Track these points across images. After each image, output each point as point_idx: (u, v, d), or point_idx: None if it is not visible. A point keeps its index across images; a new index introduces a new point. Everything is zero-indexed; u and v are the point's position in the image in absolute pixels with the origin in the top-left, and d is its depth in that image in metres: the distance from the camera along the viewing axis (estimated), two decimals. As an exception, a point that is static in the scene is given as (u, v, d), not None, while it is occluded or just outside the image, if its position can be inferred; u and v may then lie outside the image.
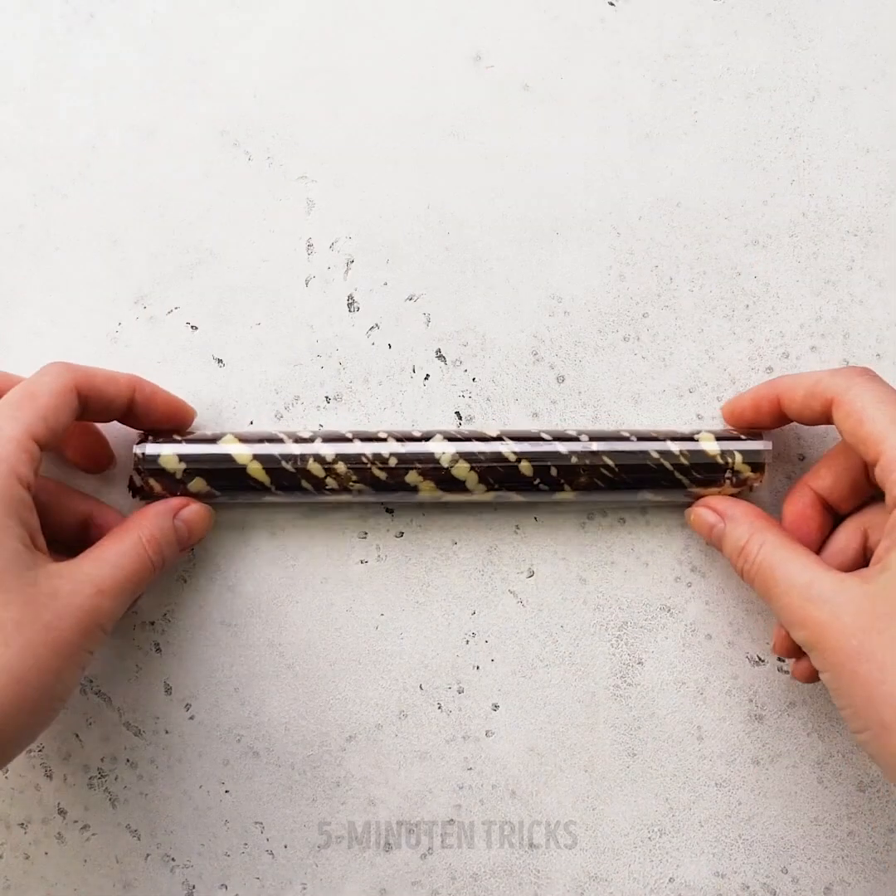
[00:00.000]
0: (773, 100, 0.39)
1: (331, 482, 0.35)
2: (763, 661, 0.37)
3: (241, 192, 0.39)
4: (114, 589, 0.32)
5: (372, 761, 0.37)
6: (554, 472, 0.35)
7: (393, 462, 0.35)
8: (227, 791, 0.37)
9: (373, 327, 0.39)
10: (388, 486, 0.35)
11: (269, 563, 0.38)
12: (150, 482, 0.36)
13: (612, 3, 0.40)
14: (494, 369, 0.38)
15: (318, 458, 0.35)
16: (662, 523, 0.38)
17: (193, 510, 0.36)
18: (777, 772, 0.37)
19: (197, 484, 0.36)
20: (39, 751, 0.38)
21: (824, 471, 0.35)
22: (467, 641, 0.38)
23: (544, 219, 0.39)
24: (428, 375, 0.39)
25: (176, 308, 0.39)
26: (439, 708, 0.37)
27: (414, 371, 0.39)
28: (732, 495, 0.36)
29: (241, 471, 0.35)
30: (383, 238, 0.39)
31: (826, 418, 0.33)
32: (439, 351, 0.39)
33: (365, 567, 0.38)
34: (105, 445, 0.38)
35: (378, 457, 0.35)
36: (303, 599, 0.38)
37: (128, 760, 0.37)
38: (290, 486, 0.35)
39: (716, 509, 0.35)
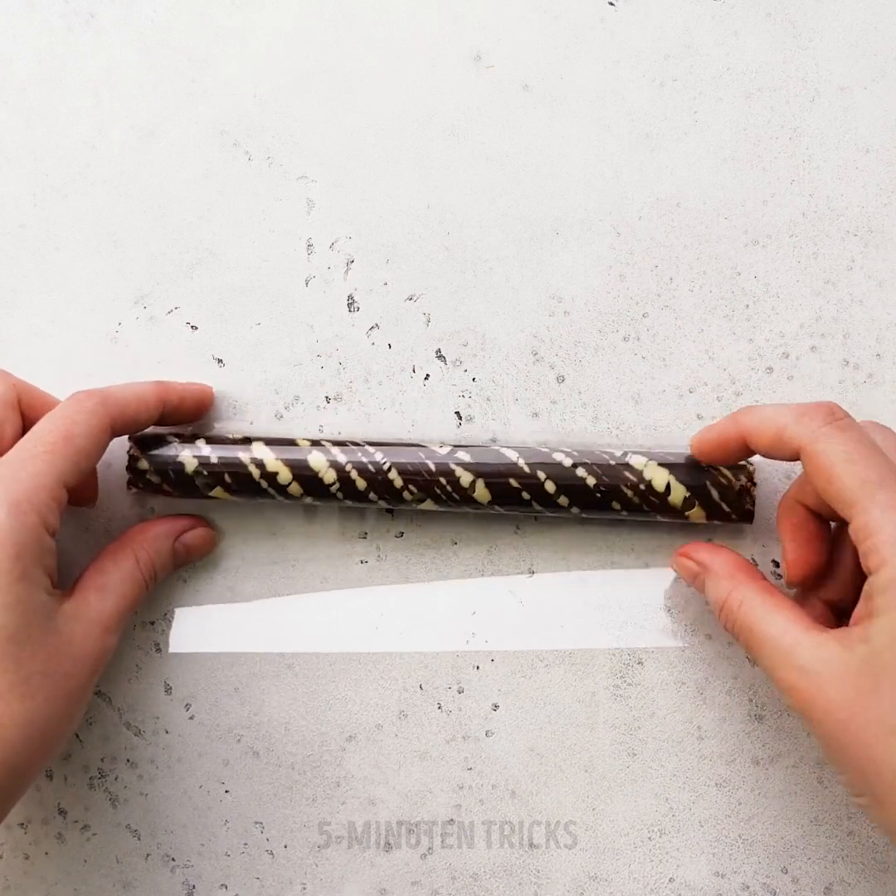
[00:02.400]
0: (773, 100, 0.39)
1: (332, 489, 0.35)
2: (763, 661, 0.37)
3: (241, 192, 0.39)
4: (118, 623, 0.33)
5: (372, 761, 0.37)
6: (549, 495, 0.35)
7: (399, 482, 0.35)
8: (227, 791, 0.37)
9: (373, 327, 0.39)
10: (386, 499, 0.36)
11: (270, 563, 0.38)
12: (147, 478, 0.36)
13: (612, 3, 0.40)
14: (494, 369, 0.38)
15: (316, 480, 0.35)
16: (662, 523, 0.37)
17: (197, 534, 0.37)
18: (777, 772, 0.37)
19: (217, 492, 0.36)
20: (39, 751, 0.38)
21: (808, 487, 0.33)
22: (467, 641, 0.38)
23: (544, 219, 0.39)
24: (428, 375, 0.39)
25: (176, 308, 0.39)
26: (439, 708, 0.37)
27: (414, 371, 0.39)
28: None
29: (247, 476, 0.35)
30: (383, 238, 0.39)
31: (796, 458, 0.31)
32: (439, 351, 0.39)
33: (365, 567, 0.38)
34: (95, 485, 0.37)
35: (382, 482, 0.35)
36: (303, 599, 0.38)
37: (128, 760, 0.37)
38: (287, 494, 0.36)
39: (696, 560, 0.35)
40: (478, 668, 0.37)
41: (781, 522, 0.34)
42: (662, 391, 0.38)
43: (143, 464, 0.36)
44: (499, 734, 0.37)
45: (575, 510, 0.35)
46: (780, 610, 0.31)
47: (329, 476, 0.35)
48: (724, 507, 0.35)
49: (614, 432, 0.38)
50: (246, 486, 0.35)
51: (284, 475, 0.35)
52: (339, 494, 0.35)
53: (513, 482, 0.35)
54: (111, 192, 0.40)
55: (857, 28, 0.39)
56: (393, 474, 0.35)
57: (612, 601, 0.37)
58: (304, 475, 0.35)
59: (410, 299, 0.39)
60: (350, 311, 0.39)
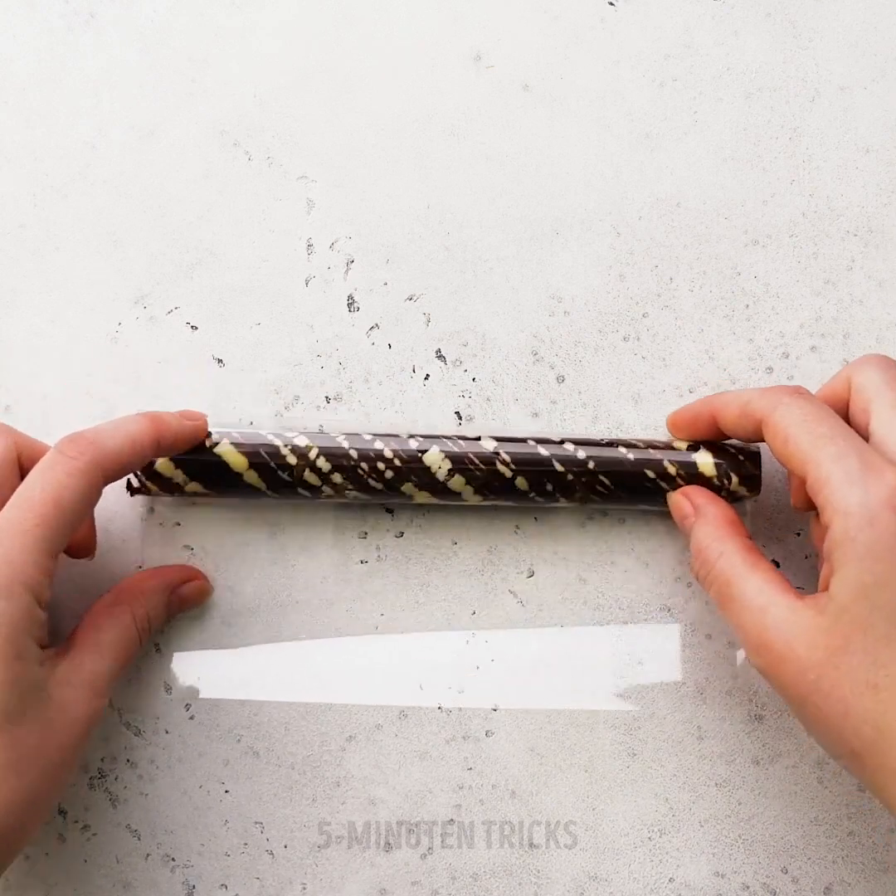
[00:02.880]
0: (773, 100, 0.39)
1: (327, 489, 0.35)
2: (763, 661, 0.37)
3: (241, 192, 0.39)
4: (109, 685, 0.33)
5: (372, 761, 0.37)
6: (549, 487, 0.35)
7: (389, 475, 0.35)
8: (227, 791, 0.37)
9: (373, 327, 0.39)
10: (384, 494, 0.36)
11: (269, 563, 0.38)
12: (148, 484, 0.36)
13: (612, 3, 0.40)
14: (494, 369, 0.38)
15: (314, 468, 0.35)
16: (662, 523, 0.38)
17: (193, 587, 0.36)
18: (777, 772, 0.37)
19: (193, 487, 0.36)
20: (39, 751, 0.38)
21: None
22: (467, 641, 0.38)
23: (544, 219, 0.39)
24: (428, 375, 0.39)
25: (176, 308, 0.39)
26: (439, 708, 0.37)
27: (414, 371, 0.39)
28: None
29: (237, 477, 0.35)
30: (383, 238, 0.39)
31: (759, 436, 0.32)
32: (439, 351, 0.39)
33: (365, 567, 0.38)
34: (94, 535, 0.36)
35: (374, 469, 0.35)
36: (303, 599, 0.38)
37: (128, 760, 0.37)
38: (287, 491, 0.36)
39: (693, 502, 0.35)
40: (478, 668, 0.37)
41: (791, 489, 0.34)
42: (662, 391, 0.38)
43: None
44: (499, 734, 0.37)
45: (601, 487, 0.35)
46: (758, 570, 0.31)
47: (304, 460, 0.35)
48: (732, 450, 0.35)
49: (614, 432, 0.38)
50: (228, 487, 0.35)
51: (253, 477, 0.35)
52: (335, 491, 0.35)
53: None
54: (111, 192, 0.40)
55: (857, 28, 0.39)
56: (389, 474, 0.35)
57: (612, 601, 0.37)
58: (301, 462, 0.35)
59: (410, 299, 0.39)
60: (350, 311, 0.39)
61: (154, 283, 0.39)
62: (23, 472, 0.33)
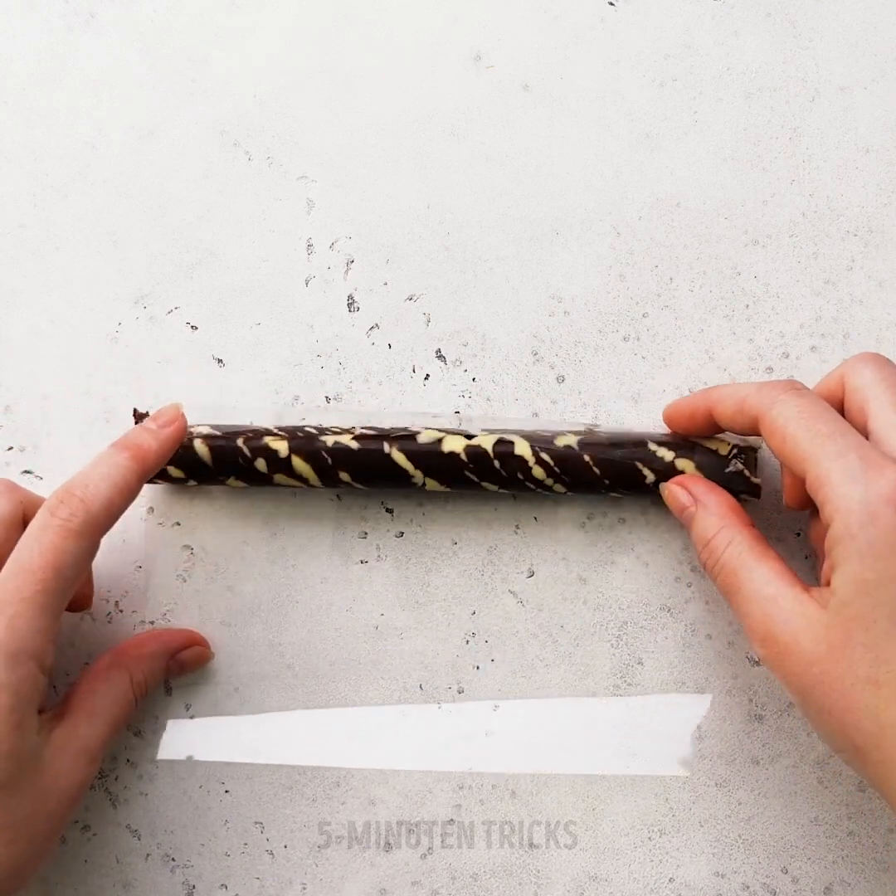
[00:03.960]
0: (773, 100, 0.39)
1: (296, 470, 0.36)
2: (763, 661, 0.37)
3: (241, 192, 0.39)
4: (100, 751, 0.33)
5: (372, 761, 0.37)
6: (543, 473, 0.35)
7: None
8: (227, 791, 0.37)
9: (373, 327, 0.39)
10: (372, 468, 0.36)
11: (269, 563, 0.38)
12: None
13: (612, 3, 0.40)
14: (494, 369, 0.38)
15: (272, 455, 0.36)
16: (662, 523, 0.38)
17: (191, 652, 0.36)
18: (777, 772, 0.37)
19: (177, 473, 0.36)
20: (39, 751, 0.38)
21: None
22: (467, 641, 0.38)
23: (544, 219, 0.39)
24: (428, 375, 0.39)
25: (176, 308, 0.39)
26: (439, 708, 0.37)
27: (414, 371, 0.39)
28: None
29: (247, 468, 0.35)
30: (383, 238, 0.39)
31: (756, 431, 0.32)
32: (439, 351, 0.39)
33: (365, 567, 0.38)
34: (91, 589, 0.36)
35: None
36: (303, 599, 0.38)
37: (128, 760, 0.37)
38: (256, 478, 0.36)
39: (691, 492, 0.34)
40: (478, 668, 0.37)
41: (785, 482, 0.34)
42: (662, 391, 0.38)
43: None
44: (499, 734, 0.37)
45: (598, 481, 0.35)
46: (766, 560, 0.31)
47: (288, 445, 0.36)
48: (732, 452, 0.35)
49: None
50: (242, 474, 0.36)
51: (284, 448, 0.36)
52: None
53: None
54: (111, 192, 0.40)
55: (857, 28, 0.39)
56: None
57: (612, 601, 0.37)
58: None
59: (410, 299, 0.39)
60: (350, 311, 0.39)
61: (154, 283, 0.39)
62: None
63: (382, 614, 0.38)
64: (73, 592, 0.31)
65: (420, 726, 0.37)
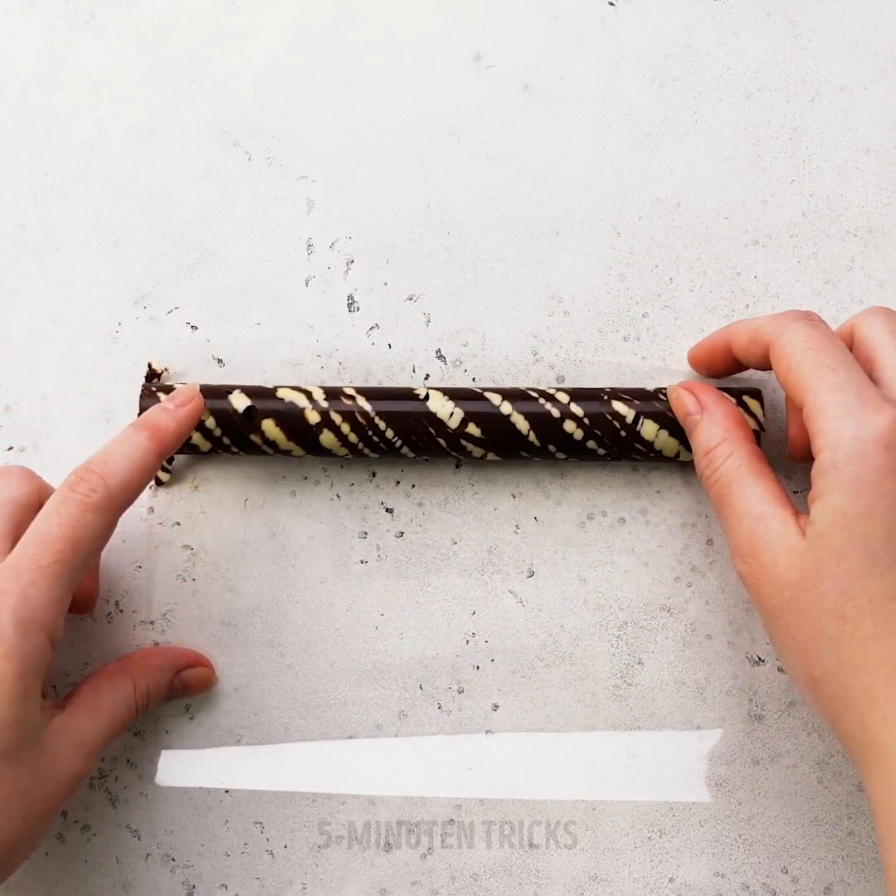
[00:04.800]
0: (773, 100, 0.39)
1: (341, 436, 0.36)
2: (763, 661, 0.37)
3: (241, 192, 0.39)
4: (100, 748, 0.32)
5: (372, 761, 0.37)
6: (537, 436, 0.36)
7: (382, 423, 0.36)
8: (227, 791, 0.37)
9: (373, 327, 0.39)
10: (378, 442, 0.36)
11: (269, 563, 0.38)
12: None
13: (612, 3, 0.40)
14: (494, 369, 0.38)
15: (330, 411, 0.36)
16: (662, 523, 0.38)
17: (197, 673, 0.36)
18: (777, 772, 0.37)
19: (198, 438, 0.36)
20: (39, 751, 0.38)
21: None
22: (467, 641, 0.38)
23: (544, 219, 0.39)
24: (428, 375, 0.39)
25: (176, 308, 0.39)
26: (439, 708, 0.37)
27: (414, 371, 0.39)
28: None
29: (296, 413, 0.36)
30: (383, 238, 0.39)
31: (768, 364, 0.32)
32: (439, 351, 0.39)
33: (365, 567, 0.38)
34: (97, 588, 0.36)
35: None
36: (303, 599, 0.38)
37: (128, 760, 0.37)
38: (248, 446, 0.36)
39: (698, 398, 0.34)
40: (478, 668, 0.37)
41: (789, 403, 0.34)
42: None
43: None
44: (499, 734, 0.37)
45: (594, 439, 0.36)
46: (762, 479, 0.31)
47: (314, 417, 0.36)
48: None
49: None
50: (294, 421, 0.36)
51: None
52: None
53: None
54: (111, 192, 0.40)
55: (857, 28, 0.39)
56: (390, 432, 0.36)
57: (612, 601, 0.37)
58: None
59: (410, 299, 0.39)
60: (350, 311, 0.39)
61: (154, 283, 0.39)
62: None
63: (382, 614, 0.38)
64: (86, 569, 0.31)
65: (420, 726, 0.37)
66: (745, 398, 0.35)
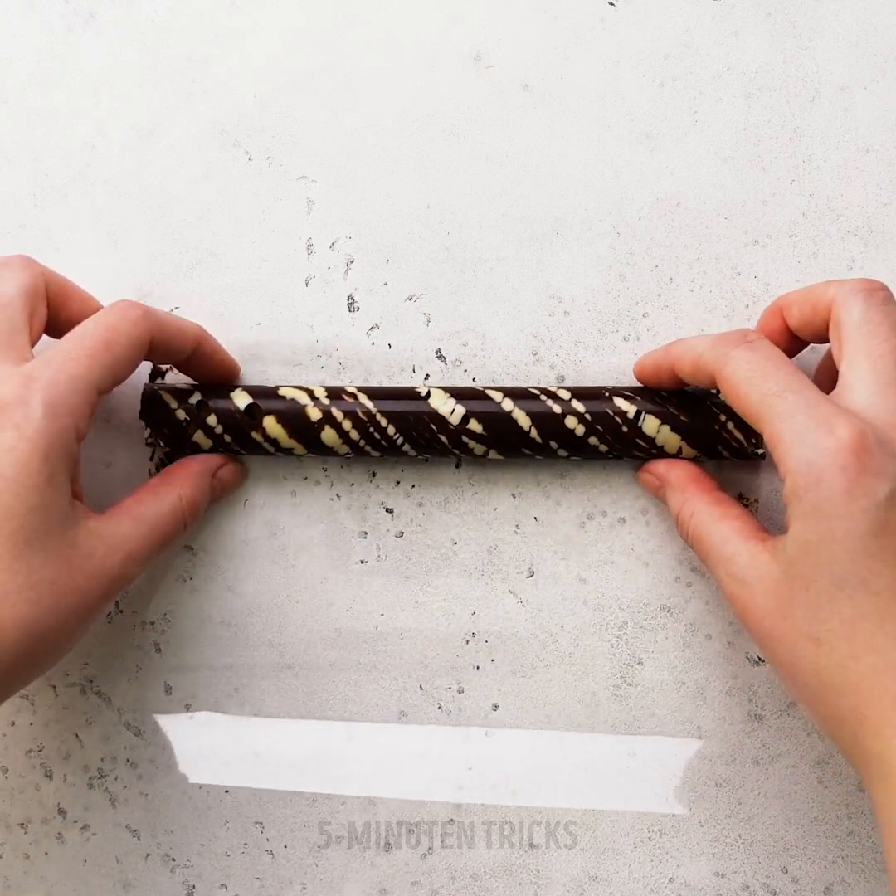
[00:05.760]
0: (773, 100, 0.39)
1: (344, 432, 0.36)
2: (763, 661, 0.37)
3: (241, 192, 0.39)
4: (143, 554, 0.32)
5: (372, 761, 0.37)
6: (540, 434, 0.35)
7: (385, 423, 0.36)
8: (226, 791, 0.37)
9: (373, 327, 0.39)
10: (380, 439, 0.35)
11: (269, 563, 0.38)
12: (193, 436, 0.36)
13: (612, 3, 0.40)
14: (494, 369, 0.38)
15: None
16: (662, 523, 0.38)
17: (231, 469, 0.37)
18: (777, 772, 0.37)
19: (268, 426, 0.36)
20: (39, 751, 0.38)
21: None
22: (467, 641, 0.38)
23: (544, 219, 0.39)
24: (428, 375, 0.39)
25: (176, 308, 0.39)
26: (439, 708, 0.37)
27: (414, 371, 0.39)
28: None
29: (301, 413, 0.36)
30: (383, 238, 0.39)
31: (716, 387, 0.32)
32: (439, 351, 0.39)
33: (365, 567, 0.38)
34: (228, 359, 0.37)
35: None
36: (303, 599, 0.38)
37: (128, 760, 0.37)
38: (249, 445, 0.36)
39: (655, 474, 0.36)
40: (478, 668, 0.37)
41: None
42: (662, 391, 0.38)
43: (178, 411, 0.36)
44: (499, 734, 0.37)
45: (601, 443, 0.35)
46: (725, 520, 0.32)
47: (315, 414, 0.36)
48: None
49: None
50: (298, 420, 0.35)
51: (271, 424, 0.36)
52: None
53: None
54: (111, 192, 0.40)
55: (857, 28, 0.39)
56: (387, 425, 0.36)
57: (612, 601, 0.37)
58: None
59: (410, 299, 0.39)
60: (350, 311, 0.39)
61: (154, 283, 0.39)
62: (51, 307, 0.33)
63: (382, 614, 0.38)
64: (116, 376, 0.32)
65: (420, 726, 0.37)
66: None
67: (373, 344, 0.39)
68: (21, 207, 0.40)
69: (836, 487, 0.28)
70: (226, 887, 0.37)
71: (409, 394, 0.36)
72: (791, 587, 0.29)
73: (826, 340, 0.33)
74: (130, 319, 0.32)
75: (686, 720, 0.37)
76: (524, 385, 0.38)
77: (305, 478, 0.38)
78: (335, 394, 0.36)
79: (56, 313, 0.33)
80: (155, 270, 0.39)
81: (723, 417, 0.35)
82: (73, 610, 0.30)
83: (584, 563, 0.38)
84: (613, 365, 0.38)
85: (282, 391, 0.36)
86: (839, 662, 0.28)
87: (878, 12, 0.39)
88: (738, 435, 0.35)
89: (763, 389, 0.30)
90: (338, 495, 0.38)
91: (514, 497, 0.38)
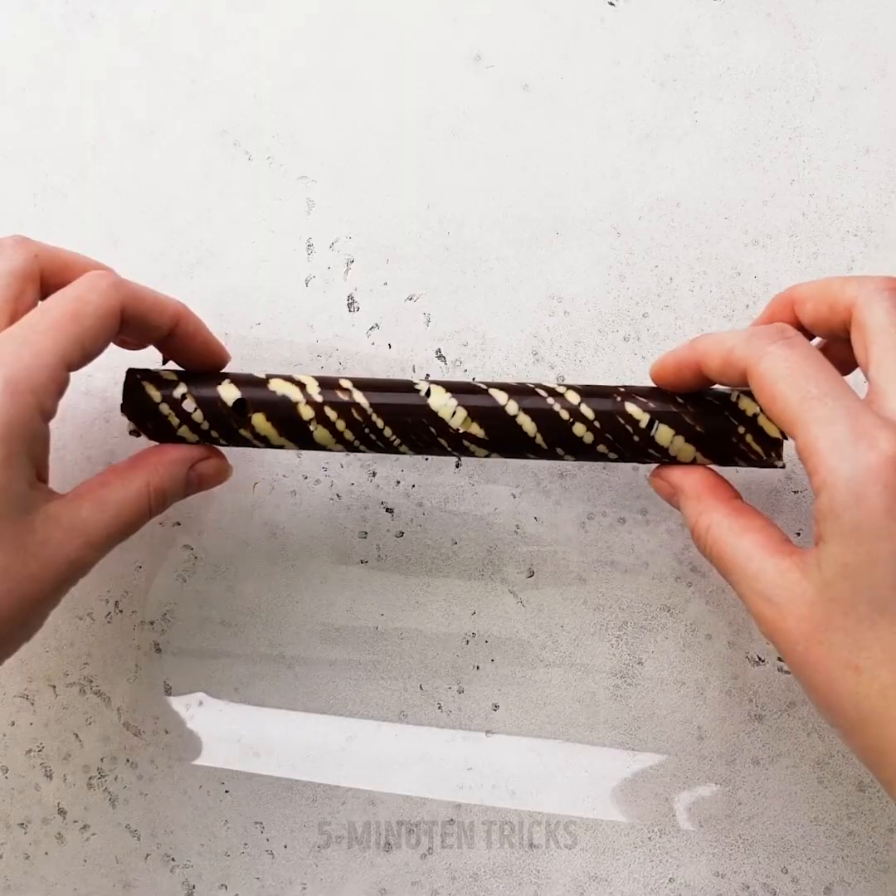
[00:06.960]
0: (773, 100, 0.39)
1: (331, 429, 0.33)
2: (763, 661, 0.37)
3: (241, 192, 0.39)
4: (103, 542, 0.31)
5: (372, 761, 0.37)
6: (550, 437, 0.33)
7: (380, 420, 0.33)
8: (227, 791, 0.37)
9: (373, 327, 0.39)
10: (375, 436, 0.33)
11: (269, 563, 0.38)
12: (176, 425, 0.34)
13: (612, 3, 0.40)
14: (494, 369, 0.38)
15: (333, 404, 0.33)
16: (662, 523, 0.38)
17: (212, 464, 0.34)
18: (777, 772, 0.37)
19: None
20: (39, 751, 0.38)
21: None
22: (467, 641, 0.38)
23: (544, 219, 0.39)
24: (428, 375, 0.39)
25: (176, 308, 0.39)
26: (439, 708, 0.37)
27: (414, 371, 0.39)
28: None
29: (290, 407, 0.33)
30: (383, 238, 0.39)
31: (745, 383, 0.30)
32: (439, 351, 0.39)
33: (365, 567, 0.38)
34: (213, 342, 0.35)
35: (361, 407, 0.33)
36: (303, 599, 0.38)
37: (128, 760, 0.37)
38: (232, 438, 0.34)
39: (669, 481, 0.33)
40: (478, 668, 0.37)
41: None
42: (662, 391, 0.38)
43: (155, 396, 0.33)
44: (499, 734, 0.37)
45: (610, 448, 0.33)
46: (747, 533, 0.30)
47: (308, 412, 0.33)
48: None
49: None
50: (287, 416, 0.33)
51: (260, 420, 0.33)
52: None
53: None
54: (111, 192, 0.40)
55: (857, 28, 0.39)
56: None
57: (612, 601, 0.37)
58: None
59: (410, 299, 0.39)
60: (350, 311, 0.39)
61: (154, 284, 0.39)
62: (51, 284, 0.32)
63: (382, 614, 0.38)
64: (86, 350, 0.30)
65: (420, 726, 0.37)
66: (741, 399, 0.33)
67: (373, 344, 0.39)
68: (21, 207, 0.40)
69: (878, 506, 0.26)
70: (226, 887, 0.37)
71: (408, 388, 0.33)
72: (827, 611, 0.27)
73: (839, 338, 0.31)
74: (99, 288, 0.30)
75: (686, 720, 0.37)
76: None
77: (305, 477, 0.38)
78: (328, 386, 0.33)
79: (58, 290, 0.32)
80: (155, 270, 0.39)
81: (741, 429, 0.33)
82: (26, 598, 0.29)
83: (584, 563, 0.38)
84: (613, 365, 0.38)
85: (272, 384, 0.33)
86: (880, 691, 0.27)
87: (878, 12, 0.39)
88: (757, 447, 0.33)
89: (803, 391, 0.28)
90: (338, 495, 0.38)
91: (514, 497, 0.38)
